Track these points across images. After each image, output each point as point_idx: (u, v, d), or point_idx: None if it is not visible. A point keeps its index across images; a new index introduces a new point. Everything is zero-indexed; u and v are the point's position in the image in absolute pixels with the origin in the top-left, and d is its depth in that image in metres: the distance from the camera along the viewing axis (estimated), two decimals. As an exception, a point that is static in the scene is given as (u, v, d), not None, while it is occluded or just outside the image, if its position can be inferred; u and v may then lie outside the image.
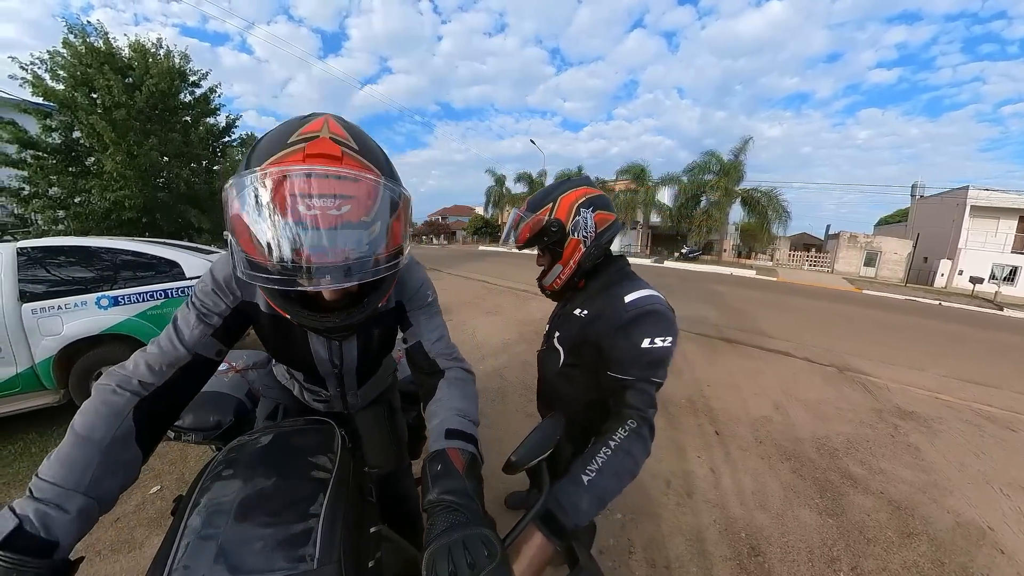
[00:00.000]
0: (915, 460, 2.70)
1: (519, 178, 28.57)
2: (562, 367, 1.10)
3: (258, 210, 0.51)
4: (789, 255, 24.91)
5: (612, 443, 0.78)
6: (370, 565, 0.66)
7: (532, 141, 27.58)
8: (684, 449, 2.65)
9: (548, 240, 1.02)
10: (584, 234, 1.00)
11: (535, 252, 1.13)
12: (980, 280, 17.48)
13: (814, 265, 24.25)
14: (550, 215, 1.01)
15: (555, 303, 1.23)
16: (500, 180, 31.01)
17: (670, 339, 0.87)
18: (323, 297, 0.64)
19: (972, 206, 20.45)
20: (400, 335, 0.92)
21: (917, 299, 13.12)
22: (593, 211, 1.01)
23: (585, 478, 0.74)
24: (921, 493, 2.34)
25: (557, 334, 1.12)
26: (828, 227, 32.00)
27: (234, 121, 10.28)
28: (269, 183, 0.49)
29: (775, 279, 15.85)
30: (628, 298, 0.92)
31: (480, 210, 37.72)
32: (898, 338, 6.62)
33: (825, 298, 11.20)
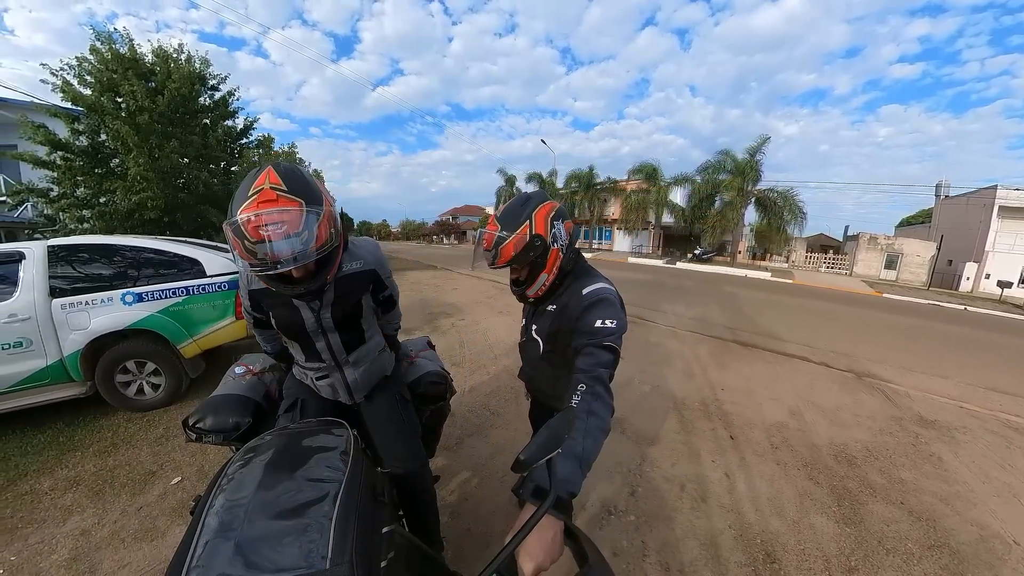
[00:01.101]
0: (937, 470, 2.62)
1: (530, 178, 28.52)
2: (543, 354, 1.27)
3: (242, 236, 0.84)
4: (806, 257, 24.35)
5: (572, 410, 0.87)
6: (383, 565, 0.67)
7: (543, 141, 27.48)
8: (698, 453, 2.63)
9: (534, 254, 1.11)
10: (561, 243, 1.14)
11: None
12: (1009, 284, 16.83)
13: (832, 267, 23.66)
14: (530, 232, 1.09)
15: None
16: (511, 180, 31.02)
17: (615, 322, 1.03)
18: (292, 276, 0.98)
19: (1000, 206, 19.66)
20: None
21: (941, 304, 12.71)
22: (562, 221, 1.14)
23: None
24: (943, 504, 2.27)
25: (534, 327, 1.29)
26: (847, 228, 31.28)
27: (252, 124, 10.49)
28: (243, 223, 0.83)
29: (791, 281, 15.54)
30: (585, 290, 1.10)
31: (490, 210, 37.77)
32: (920, 344, 6.43)
33: (843, 301, 10.94)
